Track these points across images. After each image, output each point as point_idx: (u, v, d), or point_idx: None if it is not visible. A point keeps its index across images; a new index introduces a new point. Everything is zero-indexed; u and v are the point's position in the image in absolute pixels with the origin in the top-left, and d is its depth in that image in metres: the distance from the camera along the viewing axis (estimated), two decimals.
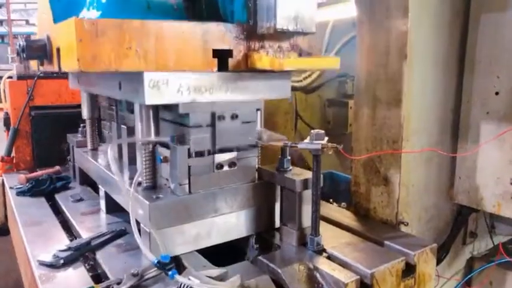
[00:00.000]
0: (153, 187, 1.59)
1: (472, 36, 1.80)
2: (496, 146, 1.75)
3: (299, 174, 1.59)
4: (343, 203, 2.19)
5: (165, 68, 1.31)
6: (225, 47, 1.38)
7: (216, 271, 1.34)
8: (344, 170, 2.76)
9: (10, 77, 2.91)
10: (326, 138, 1.50)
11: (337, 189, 2.62)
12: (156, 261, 1.33)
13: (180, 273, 1.32)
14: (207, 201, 1.56)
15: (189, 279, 1.27)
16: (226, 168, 1.60)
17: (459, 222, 1.98)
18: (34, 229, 1.80)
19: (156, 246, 1.43)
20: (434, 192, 1.89)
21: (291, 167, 1.65)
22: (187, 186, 1.52)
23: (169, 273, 1.28)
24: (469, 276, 2.07)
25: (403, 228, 1.77)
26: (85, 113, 2.27)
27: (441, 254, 1.91)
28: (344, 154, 1.46)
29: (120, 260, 1.51)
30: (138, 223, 1.50)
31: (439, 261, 1.93)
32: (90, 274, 1.45)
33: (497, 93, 1.74)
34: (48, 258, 1.48)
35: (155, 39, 1.26)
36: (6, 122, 2.85)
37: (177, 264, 1.48)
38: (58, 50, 1.42)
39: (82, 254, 1.54)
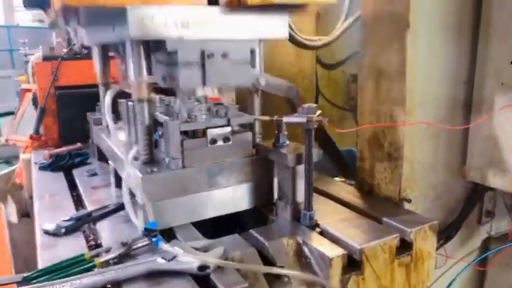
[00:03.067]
0: (150, 161, 1.63)
1: (487, 1, 1.67)
2: (511, 119, 1.63)
3: (293, 149, 1.57)
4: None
5: (150, 2, 1.29)
6: None
7: (202, 242, 1.36)
8: None
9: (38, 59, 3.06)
10: (318, 112, 1.46)
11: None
12: (143, 228, 1.37)
13: None
14: (201, 175, 1.57)
15: (174, 248, 1.30)
16: (220, 143, 1.60)
17: (472, 200, 1.88)
18: (47, 201, 1.91)
19: (150, 216, 1.47)
20: (443, 169, 1.80)
21: (287, 142, 1.63)
22: (180, 160, 1.55)
23: (154, 239, 1.32)
24: (482, 256, 1.97)
25: (407, 206, 1.71)
26: (98, 76, 2.26)
27: (450, 232, 1.83)
28: (332, 127, 1.41)
29: (117, 231, 1.57)
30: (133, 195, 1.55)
31: (448, 240, 1.85)
32: (89, 244, 1.52)
33: None
34: (51, 227, 1.56)
35: None
36: (35, 102, 3.00)
37: (170, 235, 1.52)
38: None
39: (83, 224, 1.62)
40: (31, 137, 2.90)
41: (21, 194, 3.14)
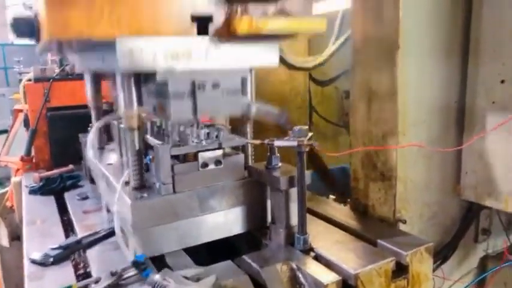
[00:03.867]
0: (141, 187, 1.60)
1: (476, 21, 1.68)
2: (504, 138, 1.63)
3: (285, 172, 1.55)
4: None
5: (140, 33, 1.28)
6: (205, 11, 1.34)
7: (193, 271, 1.33)
8: None
9: (30, 80, 3.04)
10: (310, 134, 1.45)
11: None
12: (131, 261, 1.34)
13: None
14: (192, 200, 1.55)
15: (164, 279, 1.27)
16: (212, 166, 1.59)
17: (468, 219, 1.86)
18: (35, 227, 1.87)
19: (138, 246, 1.44)
20: (437, 188, 1.79)
21: (279, 164, 1.61)
22: (171, 185, 1.52)
23: (143, 273, 1.29)
24: (481, 277, 1.94)
25: (402, 227, 1.69)
26: (90, 100, 2.25)
27: (447, 253, 1.81)
28: (322, 151, 1.40)
29: (107, 259, 1.54)
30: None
31: (445, 260, 1.83)
32: (77, 273, 1.48)
33: (502, 82, 1.61)
34: (39, 256, 1.52)
35: (129, 3, 1.23)
36: (26, 123, 2.97)
37: (162, 262, 1.49)
38: (38, 23, 1.40)
39: (72, 252, 1.58)
40: (22, 159, 2.87)
41: (13, 217, 3.09)
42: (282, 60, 2.40)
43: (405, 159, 1.65)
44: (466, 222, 1.86)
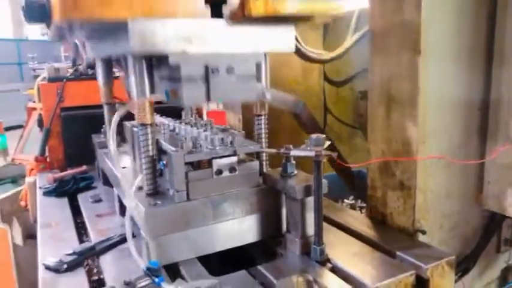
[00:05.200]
0: (155, 192, 1.58)
1: (501, 23, 1.61)
2: None
3: (301, 180, 1.51)
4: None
5: (152, 15, 1.24)
6: None
7: (207, 282, 1.30)
8: None
9: (44, 79, 3.04)
10: (327, 143, 1.40)
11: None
12: (145, 268, 1.31)
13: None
14: (206, 207, 1.52)
15: None
16: (226, 173, 1.55)
17: (490, 229, 1.80)
18: (50, 230, 1.87)
19: (152, 253, 1.42)
20: (458, 198, 1.73)
21: (295, 172, 1.57)
22: (185, 192, 1.50)
23: (157, 280, 1.26)
24: None
25: (421, 237, 1.64)
26: (102, 93, 2.19)
27: (467, 264, 1.75)
28: (340, 163, 1.35)
29: (121, 266, 1.52)
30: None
31: (466, 272, 1.77)
32: (91, 279, 1.47)
33: None
34: (53, 262, 1.51)
35: None
36: (40, 123, 2.98)
37: (175, 271, 1.47)
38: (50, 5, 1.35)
39: (86, 258, 1.56)
40: (36, 159, 2.88)
41: (27, 216, 3.11)
42: (298, 51, 2.33)
43: (425, 168, 1.60)
44: (488, 233, 1.80)
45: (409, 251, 1.49)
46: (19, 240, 3.20)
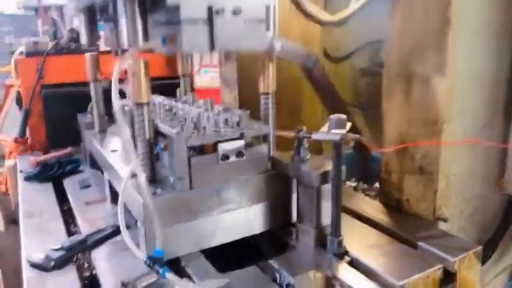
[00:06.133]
0: (152, 179, 1.41)
1: None
2: None
3: (317, 166, 1.36)
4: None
5: None
6: None
7: (215, 282, 1.16)
8: None
9: (21, 53, 2.79)
10: (349, 125, 1.25)
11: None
12: (147, 257, 1.17)
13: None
14: (211, 196, 1.37)
15: None
16: (233, 158, 1.40)
17: (509, 216, 1.70)
18: (33, 221, 1.69)
19: (150, 247, 1.27)
20: (479, 182, 1.61)
21: (308, 156, 1.42)
22: (187, 180, 1.34)
23: (160, 270, 1.12)
24: None
25: (442, 225, 1.52)
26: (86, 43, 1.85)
27: (487, 253, 1.65)
28: (369, 147, 1.21)
29: (115, 262, 1.37)
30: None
31: (485, 261, 1.67)
32: (82, 276, 1.32)
33: None
34: (38, 258, 1.35)
35: None
36: (19, 101, 2.75)
37: (176, 266, 1.32)
38: None
39: (76, 253, 1.40)
40: (16, 141, 2.66)
41: (8, 200, 2.91)
42: (302, 8, 2.14)
43: (450, 151, 1.47)
44: (507, 220, 1.69)
45: (431, 241, 1.37)
46: (1, 227, 3.01)
